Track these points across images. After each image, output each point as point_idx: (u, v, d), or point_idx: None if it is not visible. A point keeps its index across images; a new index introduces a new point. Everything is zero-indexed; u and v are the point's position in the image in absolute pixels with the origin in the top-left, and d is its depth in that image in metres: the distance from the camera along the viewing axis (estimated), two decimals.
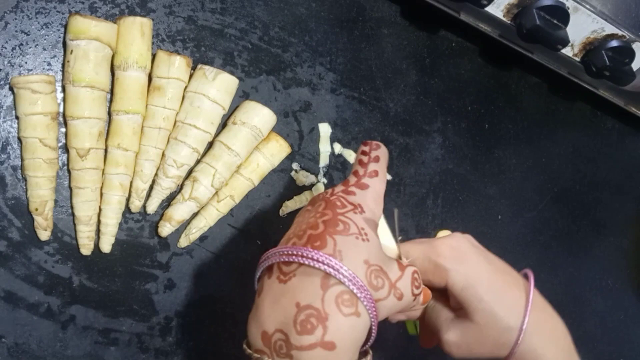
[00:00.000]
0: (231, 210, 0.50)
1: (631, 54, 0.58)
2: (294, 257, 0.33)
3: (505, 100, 0.66)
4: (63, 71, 0.43)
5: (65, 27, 0.43)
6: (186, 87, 0.47)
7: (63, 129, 0.44)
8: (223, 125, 0.49)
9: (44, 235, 0.43)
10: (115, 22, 0.44)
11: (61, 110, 0.43)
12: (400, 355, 0.57)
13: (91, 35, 0.42)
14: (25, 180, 0.43)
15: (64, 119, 0.43)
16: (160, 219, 0.47)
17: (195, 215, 0.48)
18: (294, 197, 0.53)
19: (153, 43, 0.46)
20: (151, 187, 0.47)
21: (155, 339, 0.47)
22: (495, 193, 0.65)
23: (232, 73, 0.48)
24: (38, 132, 0.42)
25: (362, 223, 0.35)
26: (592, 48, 0.58)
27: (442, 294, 0.42)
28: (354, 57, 0.56)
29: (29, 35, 0.43)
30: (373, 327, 0.34)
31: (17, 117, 0.42)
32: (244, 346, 0.35)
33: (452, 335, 0.41)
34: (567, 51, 0.59)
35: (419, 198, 0.60)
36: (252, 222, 0.51)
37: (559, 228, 0.69)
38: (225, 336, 0.50)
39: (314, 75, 0.54)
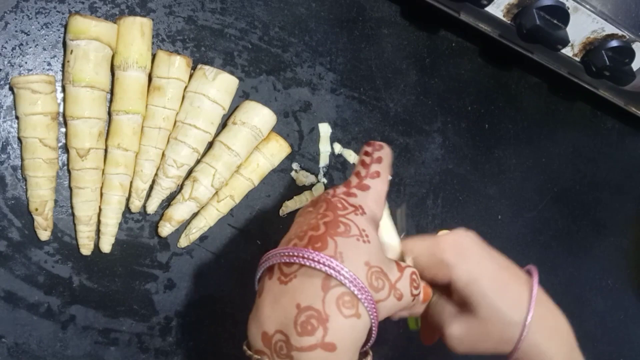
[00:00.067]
0: (231, 210, 0.50)
1: (631, 54, 0.58)
2: (295, 258, 0.33)
3: (505, 100, 0.66)
4: (63, 71, 0.43)
5: (65, 27, 0.43)
6: (186, 87, 0.47)
7: (63, 129, 0.44)
8: (223, 125, 0.49)
9: (44, 235, 0.43)
10: (115, 22, 0.44)
11: (61, 110, 0.43)
12: (400, 355, 0.57)
13: (91, 35, 0.42)
14: (25, 180, 0.43)
15: (64, 119, 0.43)
16: (160, 219, 0.47)
17: (195, 215, 0.48)
18: (294, 197, 0.53)
19: (153, 43, 0.46)
20: (151, 187, 0.47)
21: (155, 339, 0.47)
22: (495, 193, 0.65)
23: (232, 73, 0.48)
24: (38, 132, 0.42)
25: (363, 225, 0.35)
26: (592, 48, 0.58)
27: (446, 289, 0.42)
28: (354, 57, 0.56)
29: (29, 35, 0.43)
30: (373, 328, 0.34)
31: (17, 117, 0.42)
32: (244, 347, 0.35)
33: (456, 330, 0.41)
34: (567, 51, 0.59)
35: (419, 198, 0.60)
36: (252, 222, 0.51)
37: (559, 228, 0.69)
38: (225, 336, 0.50)
39: (314, 75, 0.54)
